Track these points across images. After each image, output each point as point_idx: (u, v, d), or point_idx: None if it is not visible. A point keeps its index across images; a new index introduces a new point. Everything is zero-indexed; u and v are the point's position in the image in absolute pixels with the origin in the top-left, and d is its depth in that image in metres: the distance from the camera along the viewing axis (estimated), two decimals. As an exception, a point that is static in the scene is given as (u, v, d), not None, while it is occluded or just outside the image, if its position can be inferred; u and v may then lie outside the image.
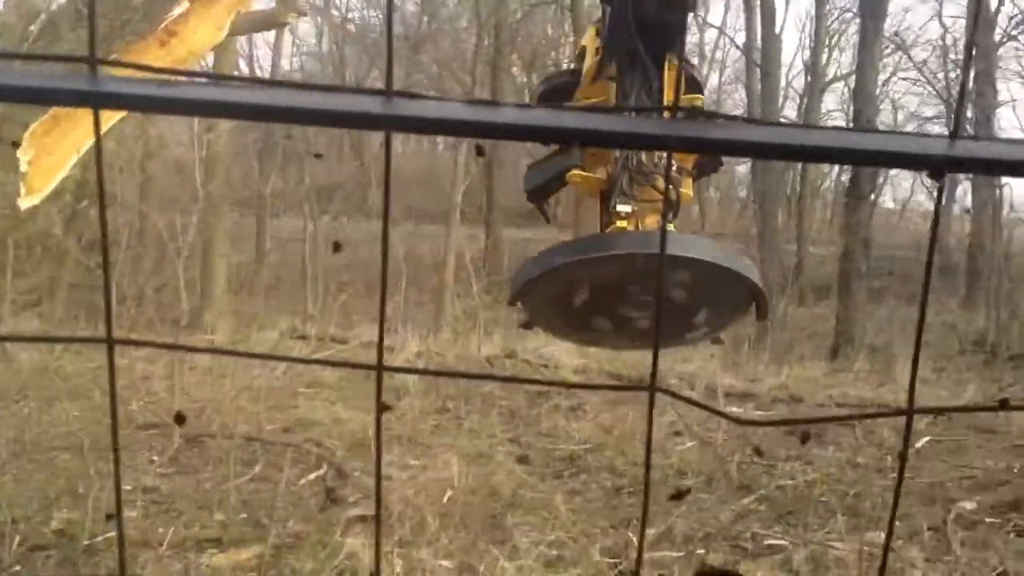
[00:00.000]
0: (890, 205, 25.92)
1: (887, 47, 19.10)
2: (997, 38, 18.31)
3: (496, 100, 0.67)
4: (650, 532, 4.83)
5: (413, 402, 7.39)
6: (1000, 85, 18.50)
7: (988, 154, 0.63)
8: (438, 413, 7.39)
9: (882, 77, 19.43)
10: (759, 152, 0.65)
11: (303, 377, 8.05)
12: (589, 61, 2.67)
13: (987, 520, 5.29)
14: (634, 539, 4.76)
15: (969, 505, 5.50)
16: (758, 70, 19.32)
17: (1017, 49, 19.53)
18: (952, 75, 20.79)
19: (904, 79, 23.16)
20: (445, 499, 5.35)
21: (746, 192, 23.14)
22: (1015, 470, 6.31)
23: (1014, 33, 18.80)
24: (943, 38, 24.37)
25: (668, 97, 2.41)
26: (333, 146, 21.68)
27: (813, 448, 6.80)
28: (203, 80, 0.74)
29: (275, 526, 4.83)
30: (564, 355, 9.05)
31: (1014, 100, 30.14)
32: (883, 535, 4.83)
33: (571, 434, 6.97)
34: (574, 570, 4.48)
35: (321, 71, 24.94)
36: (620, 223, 2.37)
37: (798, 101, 23.62)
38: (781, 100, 22.24)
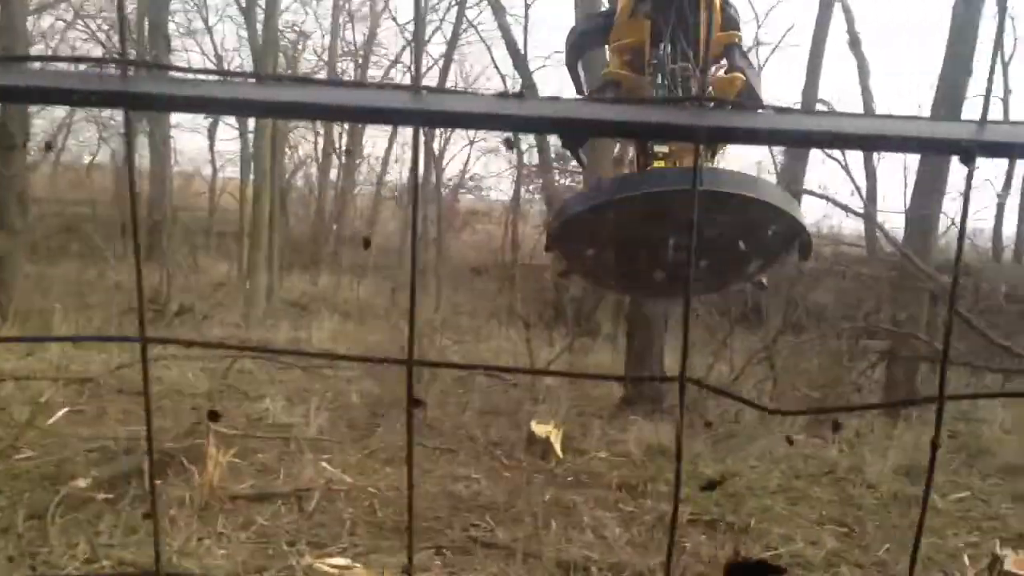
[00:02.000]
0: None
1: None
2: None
3: (523, 93, 0.68)
4: None
5: None
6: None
7: (1017, 138, 0.65)
8: None
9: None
10: (790, 140, 0.66)
11: None
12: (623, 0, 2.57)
13: (100, 496, 4.78)
14: None
15: (83, 483, 4.92)
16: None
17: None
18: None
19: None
20: None
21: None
22: (140, 438, 5.55)
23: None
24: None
25: (703, 36, 2.35)
26: None
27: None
28: (236, 79, 0.74)
29: None
30: None
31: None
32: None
33: None
34: None
35: None
36: (658, 163, 2.33)
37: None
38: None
